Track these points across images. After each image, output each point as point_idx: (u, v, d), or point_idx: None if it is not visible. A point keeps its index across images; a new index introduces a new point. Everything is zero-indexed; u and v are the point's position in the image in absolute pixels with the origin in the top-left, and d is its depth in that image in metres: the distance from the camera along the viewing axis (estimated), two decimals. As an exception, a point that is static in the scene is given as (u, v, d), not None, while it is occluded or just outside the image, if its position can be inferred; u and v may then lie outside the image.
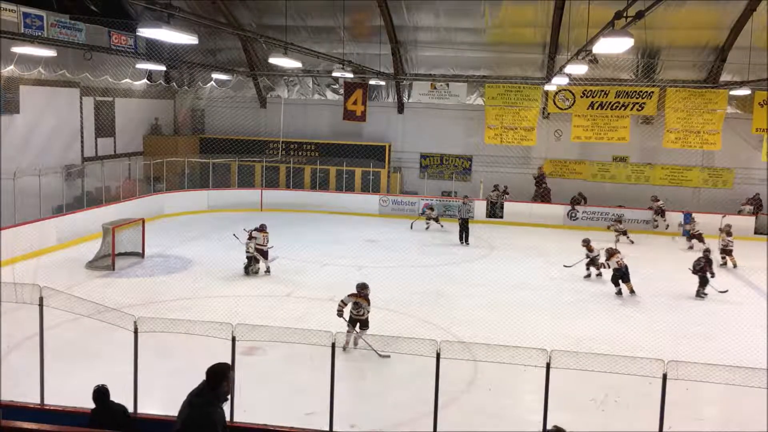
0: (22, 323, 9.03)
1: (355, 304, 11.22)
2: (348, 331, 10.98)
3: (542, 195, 24.69)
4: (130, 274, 15.71)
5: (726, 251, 18.19)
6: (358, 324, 11.15)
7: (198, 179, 25.22)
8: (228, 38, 24.15)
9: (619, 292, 15.13)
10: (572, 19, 19.57)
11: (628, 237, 20.61)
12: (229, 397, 5.20)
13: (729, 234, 18.24)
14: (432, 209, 22.59)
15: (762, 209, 23.22)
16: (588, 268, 16.60)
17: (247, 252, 15.74)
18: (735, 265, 18.07)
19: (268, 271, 15.89)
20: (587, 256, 16.55)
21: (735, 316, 13.44)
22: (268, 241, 16.04)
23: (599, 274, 16.38)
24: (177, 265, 16.64)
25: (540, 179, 24.90)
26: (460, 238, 20.13)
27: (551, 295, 14.87)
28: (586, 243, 16.62)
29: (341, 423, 7.77)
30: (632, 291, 15.03)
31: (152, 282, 14.95)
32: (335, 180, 26.06)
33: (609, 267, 15.46)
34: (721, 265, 17.93)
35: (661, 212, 22.86)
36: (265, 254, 15.95)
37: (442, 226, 22.03)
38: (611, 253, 15.51)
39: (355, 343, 11.07)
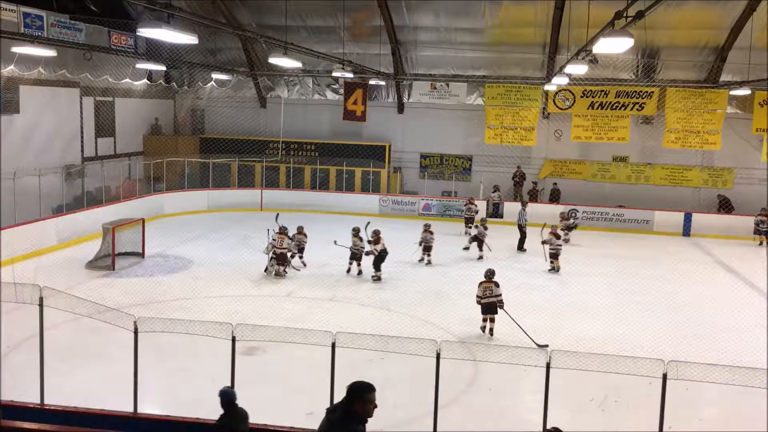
0: (22, 323, 9.03)
1: (484, 289, 12.08)
2: (483, 320, 12.05)
3: (531, 194, 24.76)
4: (130, 274, 15.71)
5: (554, 255, 16.96)
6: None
7: (198, 179, 25.22)
8: (228, 38, 24.14)
9: (378, 278, 15.59)
10: (572, 19, 19.54)
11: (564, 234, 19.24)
12: (368, 418, 4.79)
13: (557, 237, 17.14)
14: (359, 238, 16.28)
15: (733, 210, 23.45)
16: (351, 263, 16.20)
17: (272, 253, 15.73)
18: (557, 269, 16.88)
19: (277, 274, 15.70)
20: (352, 248, 16.08)
21: (735, 316, 13.43)
22: (281, 243, 15.67)
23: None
24: (177, 265, 16.64)
25: (519, 179, 24.92)
26: (519, 246, 19.47)
27: (551, 295, 14.87)
28: (356, 232, 16.09)
29: (341, 423, 7.76)
30: (379, 278, 15.59)
31: (152, 282, 14.94)
32: (335, 180, 26.06)
33: (376, 252, 15.56)
34: (549, 270, 16.97)
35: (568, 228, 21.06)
36: (281, 257, 15.65)
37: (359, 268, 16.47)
38: (378, 238, 15.69)
39: (491, 333, 11.95)
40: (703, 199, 24.10)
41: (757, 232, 21.32)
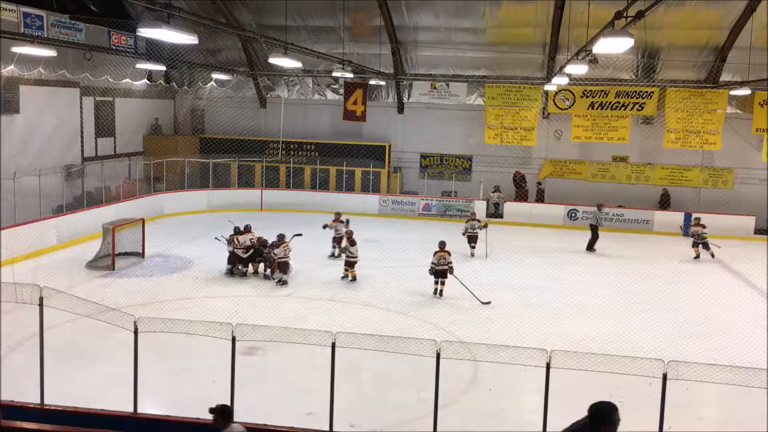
0: (22, 323, 9.04)
1: (439, 257, 14.24)
2: (435, 282, 14.44)
3: (521, 196, 24.87)
4: (130, 274, 15.70)
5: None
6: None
7: (198, 179, 25.21)
8: (228, 38, 24.14)
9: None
10: (572, 19, 19.56)
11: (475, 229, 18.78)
12: None
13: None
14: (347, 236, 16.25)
15: (669, 206, 23.73)
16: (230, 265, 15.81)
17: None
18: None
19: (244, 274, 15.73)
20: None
21: (735, 316, 13.44)
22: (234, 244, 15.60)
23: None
24: (177, 265, 16.64)
25: (520, 181, 24.96)
26: (589, 246, 19.75)
27: (551, 295, 14.87)
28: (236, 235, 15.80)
29: (341, 423, 7.77)
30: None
31: (152, 282, 14.95)
32: (335, 180, 26.06)
33: (276, 257, 15.24)
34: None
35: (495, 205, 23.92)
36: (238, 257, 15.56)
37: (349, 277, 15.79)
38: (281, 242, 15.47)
39: (440, 294, 14.40)
40: (703, 199, 24.11)
41: (695, 243, 19.17)
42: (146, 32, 9.82)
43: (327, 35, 23.23)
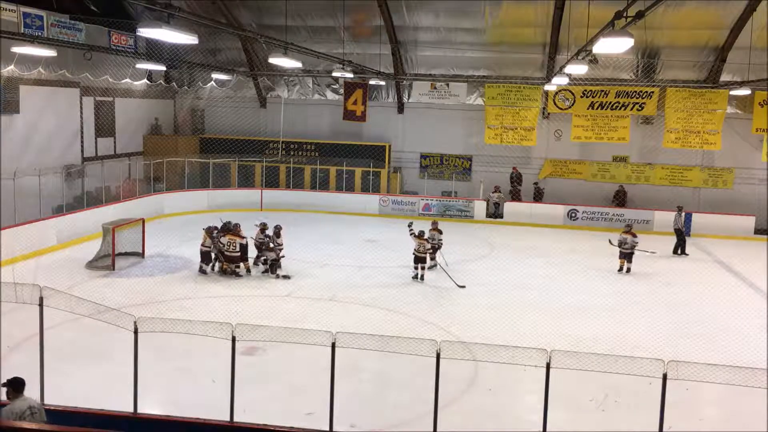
0: (22, 323, 9.03)
1: (419, 244, 15.60)
2: (415, 268, 15.70)
3: (514, 194, 24.92)
4: (130, 274, 15.70)
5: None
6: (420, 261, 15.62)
7: (198, 179, 25.21)
8: (228, 38, 24.14)
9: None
10: (572, 19, 19.56)
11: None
12: None
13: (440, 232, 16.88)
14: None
15: (625, 203, 24.00)
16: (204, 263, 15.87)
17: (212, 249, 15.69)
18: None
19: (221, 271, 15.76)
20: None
21: (735, 316, 13.44)
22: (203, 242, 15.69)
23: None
24: (177, 265, 16.63)
25: (515, 180, 25.01)
26: (675, 250, 19.66)
27: (551, 295, 14.86)
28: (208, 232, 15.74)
29: (341, 423, 7.78)
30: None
31: (152, 282, 14.94)
32: (335, 180, 26.06)
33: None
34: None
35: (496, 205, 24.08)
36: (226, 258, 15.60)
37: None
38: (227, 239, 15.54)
39: (421, 278, 15.59)
40: (703, 199, 24.11)
41: (621, 254, 17.14)
42: (146, 32, 9.82)
43: (327, 35, 23.23)
